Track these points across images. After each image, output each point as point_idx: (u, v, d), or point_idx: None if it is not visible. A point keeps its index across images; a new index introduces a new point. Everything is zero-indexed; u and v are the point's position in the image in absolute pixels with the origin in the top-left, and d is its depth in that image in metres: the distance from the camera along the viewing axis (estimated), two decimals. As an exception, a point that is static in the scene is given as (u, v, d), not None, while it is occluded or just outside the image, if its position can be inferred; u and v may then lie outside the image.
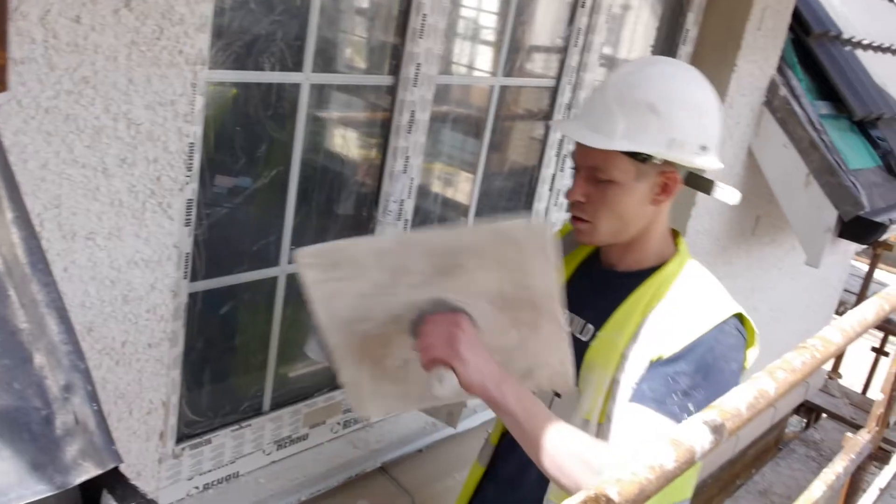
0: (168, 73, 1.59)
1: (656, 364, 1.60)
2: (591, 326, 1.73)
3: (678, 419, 1.53)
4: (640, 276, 1.70)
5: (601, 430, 1.67)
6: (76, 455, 1.08)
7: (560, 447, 1.48)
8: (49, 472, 1.04)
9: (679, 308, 1.64)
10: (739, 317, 1.66)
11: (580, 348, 1.69)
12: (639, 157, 1.60)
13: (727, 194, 1.71)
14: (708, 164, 1.65)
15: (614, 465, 1.09)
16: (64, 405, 1.10)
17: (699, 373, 1.57)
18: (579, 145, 1.66)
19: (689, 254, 1.77)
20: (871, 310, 2.07)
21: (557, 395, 1.75)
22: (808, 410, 6.30)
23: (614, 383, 1.65)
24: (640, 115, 1.60)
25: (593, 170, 1.64)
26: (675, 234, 1.78)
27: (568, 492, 1.46)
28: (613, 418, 1.66)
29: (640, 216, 1.67)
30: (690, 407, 1.54)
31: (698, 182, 1.72)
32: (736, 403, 1.41)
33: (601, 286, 1.76)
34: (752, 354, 1.69)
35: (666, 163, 1.62)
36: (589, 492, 1.07)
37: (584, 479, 1.44)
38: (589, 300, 1.74)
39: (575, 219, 1.70)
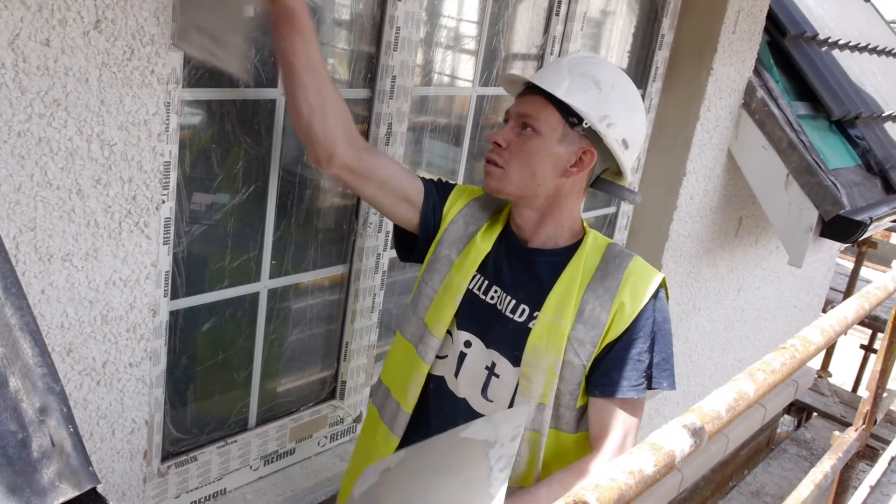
0: (140, 93, 1.59)
1: (616, 348, 1.72)
2: (525, 307, 1.78)
3: (641, 389, 1.72)
4: (561, 255, 1.79)
5: (556, 411, 1.75)
6: (53, 477, 1.08)
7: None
8: (26, 494, 1.04)
9: (613, 284, 1.74)
10: (664, 283, 1.79)
11: (519, 330, 1.76)
12: (569, 121, 1.71)
13: (631, 195, 1.89)
14: (623, 158, 1.77)
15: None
16: (40, 428, 1.10)
17: (656, 343, 1.73)
18: (518, 98, 1.79)
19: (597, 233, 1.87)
20: (851, 309, 2.08)
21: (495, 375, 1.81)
22: (799, 410, 6.33)
23: (565, 365, 1.72)
24: (585, 83, 1.72)
25: (523, 117, 1.74)
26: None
27: None
28: (596, 417, 1.74)
29: (549, 179, 1.74)
30: (649, 373, 1.72)
31: (607, 180, 1.86)
32: (715, 406, 1.42)
33: (524, 264, 1.82)
34: None
35: (587, 138, 1.73)
36: (567, 498, 1.07)
37: None
38: (516, 278, 1.81)
39: (488, 163, 1.77)
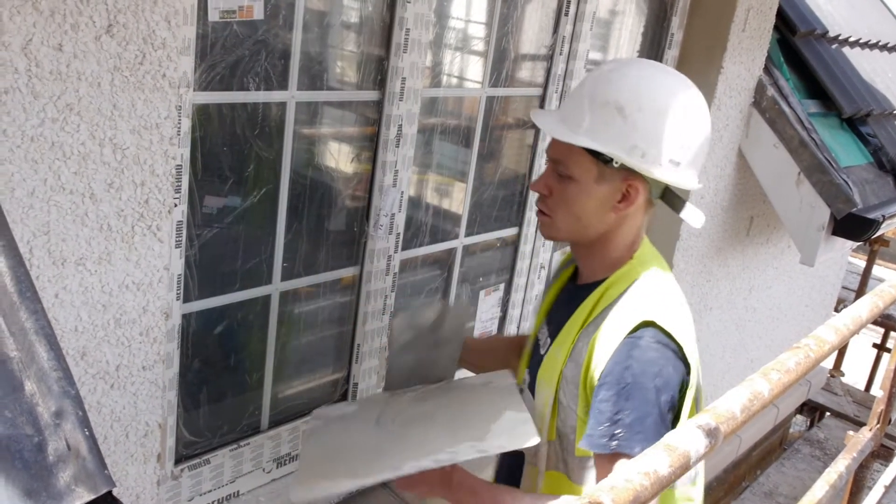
0: (152, 97, 1.60)
1: (594, 391, 1.55)
2: (549, 340, 1.71)
3: (614, 450, 1.48)
4: (590, 289, 1.66)
5: (552, 447, 1.66)
6: (69, 481, 1.08)
7: None
8: (42, 498, 1.04)
9: (605, 323, 1.57)
10: (658, 326, 1.53)
11: (539, 362, 1.70)
12: (601, 158, 1.57)
13: (693, 216, 1.66)
14: (674, 179, 1.59)
15: None
16: (55, 431, 1.10)
17: (621, 396, 1.49)
18: (553, 138, 1.65)
19: (649, 262, 1.66)
20: (865, 307, 2.07)
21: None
22: (812, 409, 6.30)
23: (558, 403, 1.62)
24: (607, 115, 1.56)
25: (556, 163, 1.63)
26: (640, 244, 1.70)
27: None
28: (571, 466, 1.65)
29: (598, 220, 1.62)
30: (618, 433, 1.48)
31: (670, 198, 1.66)
32: (730, 406, 1.41)
33: (566, 298, 1.75)
34: (690, 355, 1.56)
35: (629, 170, 1.57)
36: (583, 499, 1.07)
37: None
38: (555, 312, 1.75)
39: (538, 210, 1.70)
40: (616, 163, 1.56)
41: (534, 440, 1.54)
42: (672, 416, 1.51)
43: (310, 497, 1.66)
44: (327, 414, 1.99)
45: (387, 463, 1.60)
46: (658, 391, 1.49)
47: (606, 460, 1.50)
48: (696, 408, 1.60)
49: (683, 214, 1.66)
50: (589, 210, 1.61)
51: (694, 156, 1.60)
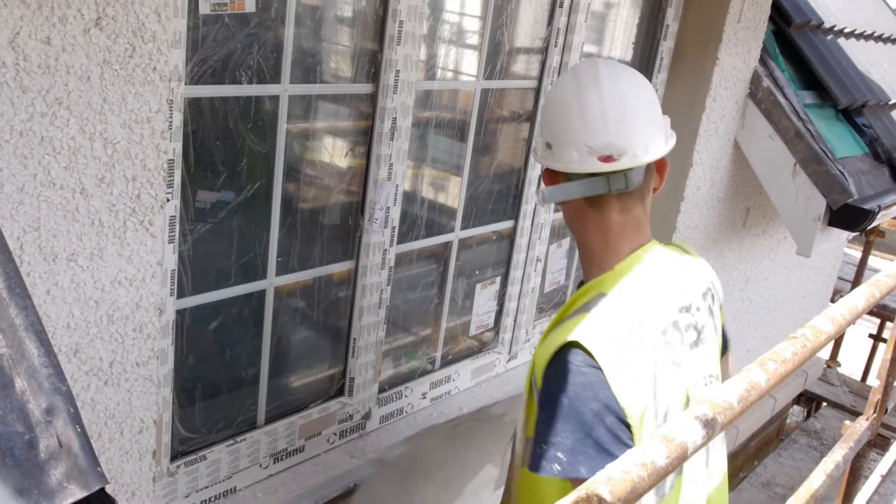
0: (143, 90, 1.58)
1: (537, 408, 1.56)
2: None
3: (557, 474, 1.47)
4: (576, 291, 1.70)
5: (528, 445, 1.64)
6: (61, 478, 1.07)
7: None
8: (34, 496, 1.03)
9: (552, 333, 1.58)
10: (583, 347, 1.49)
11: None
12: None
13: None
14: (552, 163, 1.65)
15: None
16: (47, 428, 1.09)
17: (557, 418, 1.47)
18: None
19: (626, 275, 1.62)
20: (861, 297, 2.06)
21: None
22: (808, 400, 6.31)
23: (532, 399, 1.63)
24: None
25: None
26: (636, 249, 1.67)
27: None
28: None
29: (575, 229, 1.72)
30: (560, 455, 1.46)
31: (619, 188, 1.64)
32: (727, 397, 1.40)
33: None
34: (624, 368, 1.49)
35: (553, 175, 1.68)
36: (580, 492, 1.06)
37: None
38: None
39: None
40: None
41: None
42: (627, 428, 1.48)
43: None
44: None
45: None
46: (596, 414, 1.46)
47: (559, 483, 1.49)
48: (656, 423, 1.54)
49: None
50: (567, 219, 1.73)
51: (551, 130, 1.65)
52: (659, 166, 1.69)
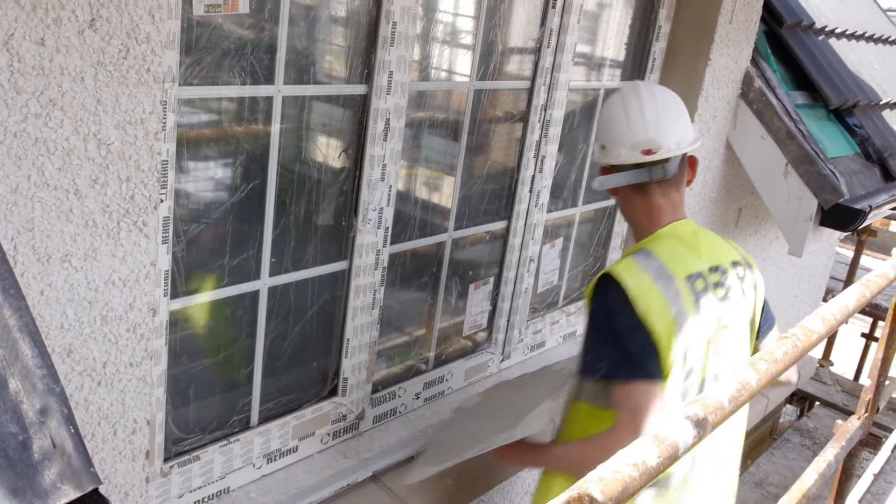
0: (136, 91, 1.58)
1: None
2: None
3: (597, 376, 1.99)
4: None
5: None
6: (55, 478, 1.07)
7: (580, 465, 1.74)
8: (28, 496, 1.04)
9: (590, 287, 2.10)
10: (615, 281, 1.96)
11: None
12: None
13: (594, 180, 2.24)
14: (609, 160, 2.14)
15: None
16: (40, 429, 1.09)
17: (597, 334, 2.01)
18: None
19: (656, 240, 2.07)
20: (852, 297, 2.08)
21: None
22: (801, 399, 6.33)
23: None
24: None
25: None
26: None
27: None
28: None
29: (626, 212, 2.22)
30: (601, 363, 1.97)
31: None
32: (718, 396, 1.41)
33: None
34: (647, 298, 1.93)
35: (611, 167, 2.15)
36: (572, 492, 1.07)
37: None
38: None
39: None
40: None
41: (535, 429, 2.12)
42: (654, 345, 1.90)
43: (411, 481, 2.33)
44: (464, 406, 2.71)
45: (454, 452, 2.26)
46: (627, 331, 1.92)
47: (615, 386, 1.95)
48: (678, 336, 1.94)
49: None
50: (622, 208, 2.25)
51: (605, 135, 2.16)
52: (691, 162, 2.20)
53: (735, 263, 2.12)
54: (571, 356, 2.76)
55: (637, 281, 1.94)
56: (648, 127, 2.08)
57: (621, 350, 1.92)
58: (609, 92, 3.18)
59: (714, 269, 2.05)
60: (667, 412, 1.91)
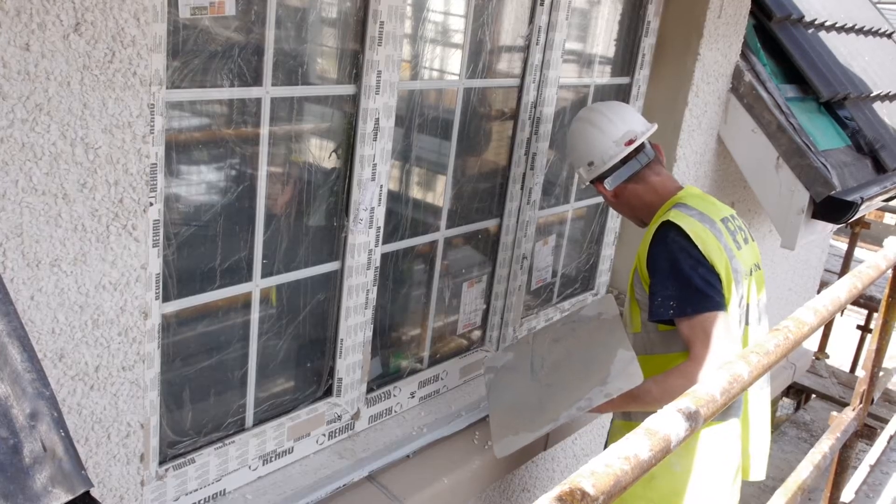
0: (123, 95, 1.58)
1: (650, 278, 2.32)
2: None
3: (668, 315, 2.25)
4: (644, 229, 2.54)
5: (637, 338, 2.45)
6: (46, 482, 1.07)
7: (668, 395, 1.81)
8: (19, 500, 1.04)
9: (644, 236, 2.40)
10: (673, 224, 2.27)
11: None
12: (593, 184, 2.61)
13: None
14: (598, 171, 2.51)
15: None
16: (31, 433, 1.09)
17: (664, 276, 2.26)
18: None
19: (672, 206, 2.37)
20: (843, 288, 2.08)
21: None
22: (798, 392, 6.34)
23: (635, 301, 2.48)
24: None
25: None
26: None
27: None
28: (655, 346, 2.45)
29: (637, 205, 2.55)
30: (671, 303, 2.23)
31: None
32: (710, 390, 1.41)
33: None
34: (704, 236, 2.26)
35: (598, 183, 2.56)
36: (563, 486, 1.07)
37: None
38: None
39: None
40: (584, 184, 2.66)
41: (638, 380, 2.21)
42: (716, 276, 2.23)
43: (506, 453, 2.44)
44: (494, 365, 2.77)
45: (549, 416, 2.37)
46: (692, 267, 2.22)
47: (679, 324, 2.25)
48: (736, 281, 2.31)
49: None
50: (630, 201, 2.57)
51: (587, 152, 2.54)
52: (655, 146, 2.56)
53: (734, 217, 2.48)
54: (593, 301, 2.90)
55: (691, 225, 2.26)
56: (617, 124, 2.47)
57: (690, 286, 2.20)
58: (598, 88, 3.19)
59: (729, 219, 2.42)
60: (733, 335, 2.23)
